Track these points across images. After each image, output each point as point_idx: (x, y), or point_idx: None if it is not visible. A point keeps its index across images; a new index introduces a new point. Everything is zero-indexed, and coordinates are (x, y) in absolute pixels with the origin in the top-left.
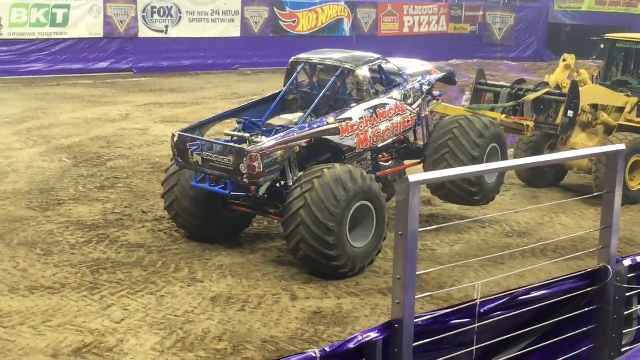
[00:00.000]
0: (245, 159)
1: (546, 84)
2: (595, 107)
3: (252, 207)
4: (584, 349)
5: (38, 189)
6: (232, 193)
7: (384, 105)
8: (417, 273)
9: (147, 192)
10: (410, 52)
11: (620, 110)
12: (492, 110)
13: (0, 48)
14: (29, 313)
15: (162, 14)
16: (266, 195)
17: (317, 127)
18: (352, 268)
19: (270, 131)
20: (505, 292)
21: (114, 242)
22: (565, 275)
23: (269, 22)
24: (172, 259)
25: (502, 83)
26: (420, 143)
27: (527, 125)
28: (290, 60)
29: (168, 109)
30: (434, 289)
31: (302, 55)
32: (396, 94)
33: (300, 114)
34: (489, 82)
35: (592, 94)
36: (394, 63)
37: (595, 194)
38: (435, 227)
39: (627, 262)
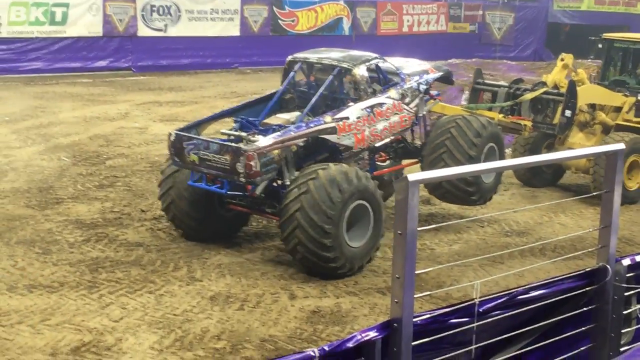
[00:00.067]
0: (242, 158)
1: (544, 84)
2: (592, 106)
3: (249, 207)
4: (582, 348)
5: (37, 188)
6: (228, 192)
7: (381, 104)
8: (416, 272)
9: (146, 190)
10: (410, 52)
11: (618, 110)
12: (490, 109)
13: None
14: (28, 312)
15: (161, 12)
16: (263, 195)
17: (314, 126)
18: (350, 268)
19: (267, 130)
20: (504, 291)
21: (113, 241)
22: (564, 275)
23: (268, 21)
24: (171, 257)
25: (500, 82)
26: (418, 142)
27: (525, 125)
28: (287, 59)
29: (167, 107)
30: (432, 288)
31: (299, 54)
32: (393, 93)
33: (297, 113)
34: (486, 81)
35: (590, 93)
36: (392, 62)
37: (594, 194)
38: (434, 226)
39: (626, 262)
